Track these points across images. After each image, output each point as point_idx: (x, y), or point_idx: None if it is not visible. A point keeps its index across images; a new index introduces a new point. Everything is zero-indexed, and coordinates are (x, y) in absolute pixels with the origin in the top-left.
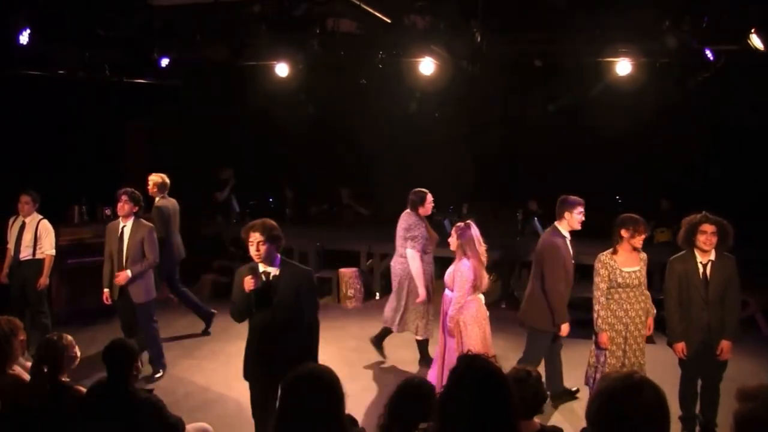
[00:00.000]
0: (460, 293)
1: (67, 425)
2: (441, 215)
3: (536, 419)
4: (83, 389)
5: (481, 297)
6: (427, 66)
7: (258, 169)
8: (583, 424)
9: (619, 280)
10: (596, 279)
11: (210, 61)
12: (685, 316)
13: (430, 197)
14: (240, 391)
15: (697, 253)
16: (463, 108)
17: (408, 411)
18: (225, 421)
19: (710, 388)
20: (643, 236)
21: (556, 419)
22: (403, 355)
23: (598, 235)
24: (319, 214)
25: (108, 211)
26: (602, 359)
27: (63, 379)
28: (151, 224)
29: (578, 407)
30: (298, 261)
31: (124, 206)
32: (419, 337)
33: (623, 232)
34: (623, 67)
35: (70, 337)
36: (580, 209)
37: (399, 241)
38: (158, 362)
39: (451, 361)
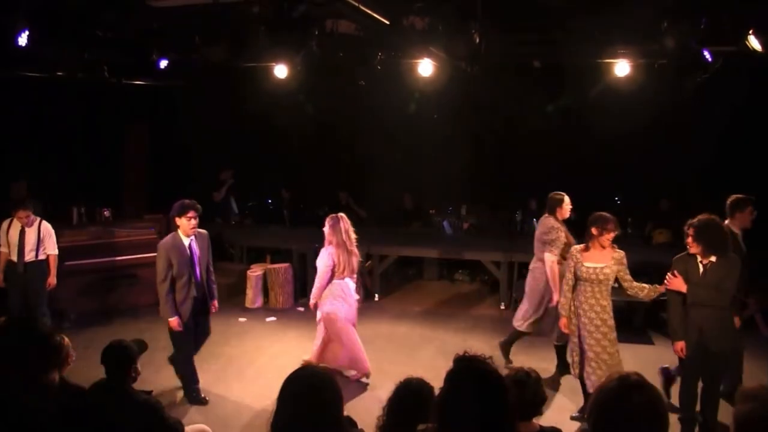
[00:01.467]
0: (320, 276)
1: (66, 427)
2: (440, 216)
3: (535, 420)
4: (82, 390)
5: (348, 281)
6: (425, 67)
7: (256, 170)
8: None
9: (578, 273)
10: (566, 269)
11: (209, 62)
12: (685, 316)
13: (567, 200)
14: (239, 393)
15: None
16: (462, 109)
17: (407, 412)
18: (224, 423)
19: (710, 389)
20: (612, 234)
21: (555, 420)
22: (401, 356)
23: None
24: (317, 216)
25: (107, 213)
26: (570, 345)
27: (62, 380)
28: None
29: (577, 407)
30: (297, 262)
31: (193, 222)
32: (557, 343)
33: (593, 230)
34: (622, 68)
35: (66, 338)
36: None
37: (537, 245)
38: None
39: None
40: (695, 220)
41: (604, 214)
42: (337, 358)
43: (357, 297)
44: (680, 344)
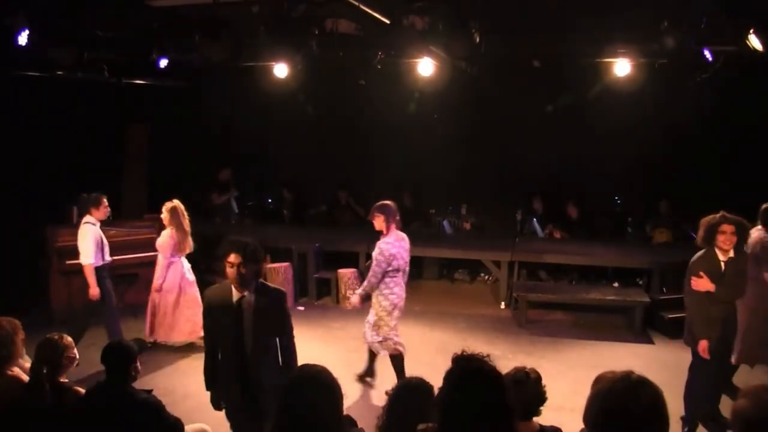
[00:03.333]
0: (164, 255)
1: (66, 426)
2: (440, 216)
3: (536, 420)
4: (82, 390)
5: (184, 260)
6: (425, 67)
7: (257, 170)
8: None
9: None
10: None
11: (208, 62)
12: (708, 313)
13: None
14: None
15: (717, 252)
16: (462, 108)
17: (407, 411)
18: (223, 422)
19: (721, 384)
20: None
21: (555, 420)
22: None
23: (598, 235)
24: (317, 215)
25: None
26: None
27: (62, 380)
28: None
29: (577, 407)
30: (297, 262)
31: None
32: None
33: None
34: (622, 67)
35: (69, 338)
36: None
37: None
38: None
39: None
40: (732, 215)
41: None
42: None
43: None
44: (704, 343)
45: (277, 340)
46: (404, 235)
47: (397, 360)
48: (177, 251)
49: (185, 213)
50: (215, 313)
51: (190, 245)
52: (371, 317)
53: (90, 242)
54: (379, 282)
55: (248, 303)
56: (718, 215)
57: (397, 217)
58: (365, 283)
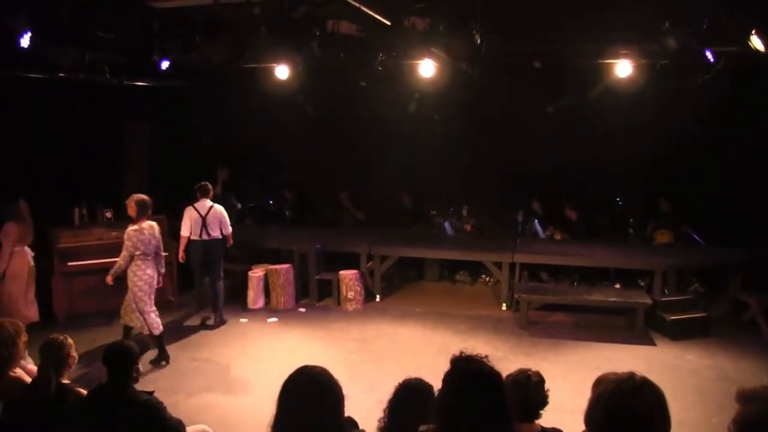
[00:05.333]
0: (6, 246)
1: (67, 427)
2: (441, 217)
3: (537, 422)
4: (83, 391)
5: (28, 249)
6: (426, 68)
7: (258, 170)
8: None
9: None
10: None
11: (209, 63)
12: None
13: None
14: (239, 395)
15: None
16: (463, 109)
17: (407, 412)
18: (225, 423)
19: None
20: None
21: (556, 422)
22: (401, 357)
23: (597, 236)
24: (318, 215)
25: (108, 214)
26: None
27: (64, 381)
28: None
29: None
30: (298, 263)
31: None
32: None
33: (132, 211)
34: (623, 68)
35: (70, 339)
36: None
37: None
38: None
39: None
40: None
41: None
42: None
43: None
44: None
45: None
46: (153, 224)
47: (160, 338)
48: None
49: (27, 208)
50: None
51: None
52: (135, 301)
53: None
54: (128, 264)
55: None
56: None
57: (149, 211)
58: (115, 265)
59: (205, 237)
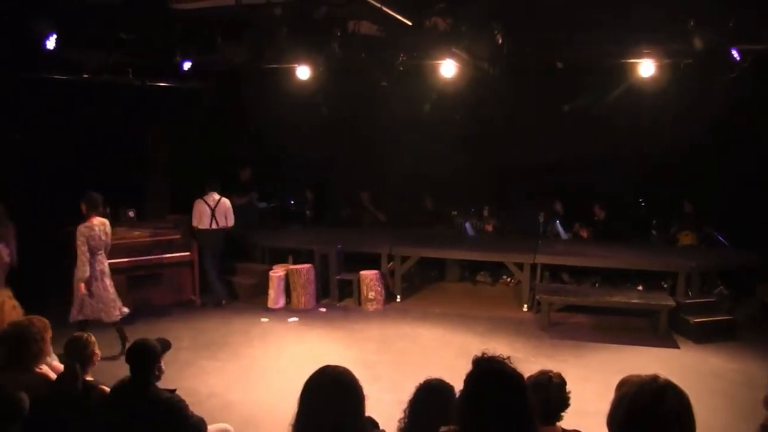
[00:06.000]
0: None
1: (91, 424)
2: (462, 218)
3: (558, 424)
4: (107, 389)
5: (2, 245)
6: (448, 68)
7: (279, 170)
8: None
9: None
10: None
11: (231, 64)
12: None
13: None
14: (261, 394)
15: None
16: (484, 110)
17: (428, 413)
18: (246, 422)
19: None
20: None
21: (577, 424)
22: (422, 358)
23: (620, 237)
24: (339, 215)
25: (131, 213)
26: None
27: (88, 378)
28: None
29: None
30: (319, 263)
31: None
32: None
33: (83, 208)
34: (647, 68)
35: (93, 337)
36: None
37: None
38: None
39: None
40: None
41: (94, 194)
42: None
43: None
44: None
45: None
46: (105, 221)
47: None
48: None
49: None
50: None
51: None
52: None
53: None
54: (89, 260)
55: None
56: None
57: (100, 209)
58: (78, 269)
59: (214, 227)
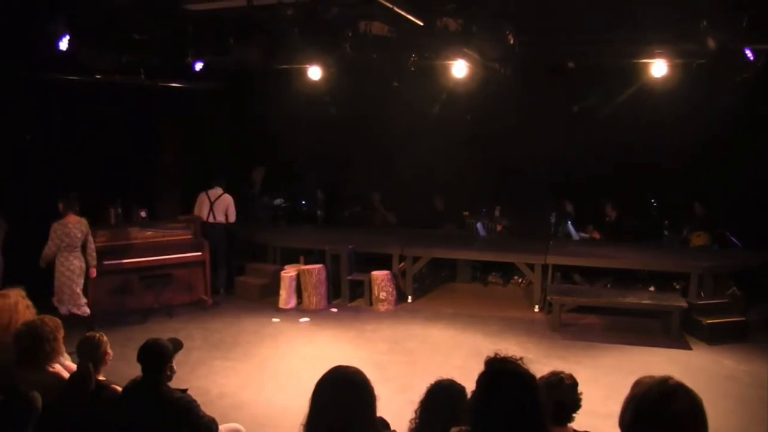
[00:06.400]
0: None
1: (103, 423)
2: (473, 218)
3: (570, 425)
4: (119, 388)
5: None
6: (459, 68)
7: (290, 171)
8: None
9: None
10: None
11: (243, 64)
12: None
13: None
14: (272, 393)
15: None
16: (495, 110)
17: (439, 414)
18: (258, 422)
19: None
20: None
21: (589, 425)
22: (433, 358)
23: (631, 237)
24: (350, 216)
25: (143, 213)
26: None
27: (100, 377)
28: None
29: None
30: (330, 264)
31: None
32: None
33: (60, 206)
34: (659, 68)
35: (105, 336)
36: None
37: None
38: None
39: None
40: None
41: (70, 193)
42: None
43: None
44: None
45: None
46: (81, 219)
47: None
48: None
49: None
50: None
51: None
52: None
53: None
54: (54, 254)
55: None
56: None
57: (76, 208)
58: (43, 253)
59: (211, 220)
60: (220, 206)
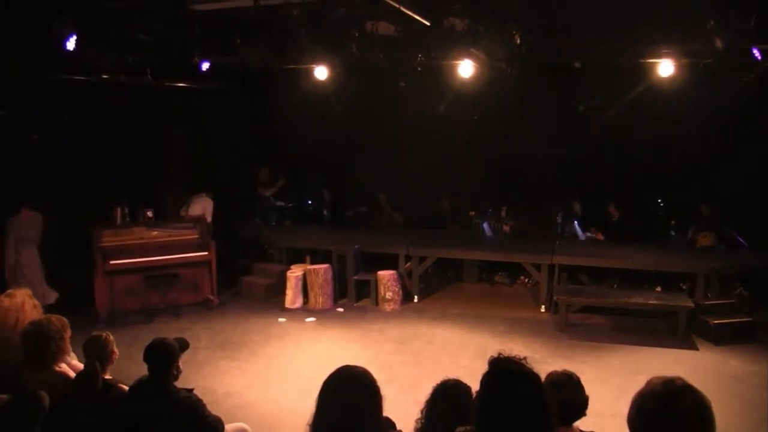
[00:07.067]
0: None
1: (110, 423)
2: (480, 218)
3: (576, 425)
4: (125, 387)
5: None
6: (466, 68)
7: (297, 171)
8: (625, 430)
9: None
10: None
11: (249, 64)
12: None
13: None
14: (279, 393)
15: None
16: (501, 110)
17: (445, 414)
18: (264, 422)
19: None
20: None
21: (595, 426)
22: (439, 358)
23: (635, 237)
24: (356, 216)
25: (150, 213)
26: None
27: (107, 377)
28: None
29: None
30: (337, 264)
31: None
32: None
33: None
34: (665, 68)
35: (111, 336)
36: None
37: None
38: None
39: None
40: None
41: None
42: None
43: None
44: None
45: None
46: (37, 215)
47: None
48: None
49: None
50: None
51: None
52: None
53: None
54: (14, 248)
55: None
56: None
57: (30, 204)
58: (6, 253)
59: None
60: (197, 207)
